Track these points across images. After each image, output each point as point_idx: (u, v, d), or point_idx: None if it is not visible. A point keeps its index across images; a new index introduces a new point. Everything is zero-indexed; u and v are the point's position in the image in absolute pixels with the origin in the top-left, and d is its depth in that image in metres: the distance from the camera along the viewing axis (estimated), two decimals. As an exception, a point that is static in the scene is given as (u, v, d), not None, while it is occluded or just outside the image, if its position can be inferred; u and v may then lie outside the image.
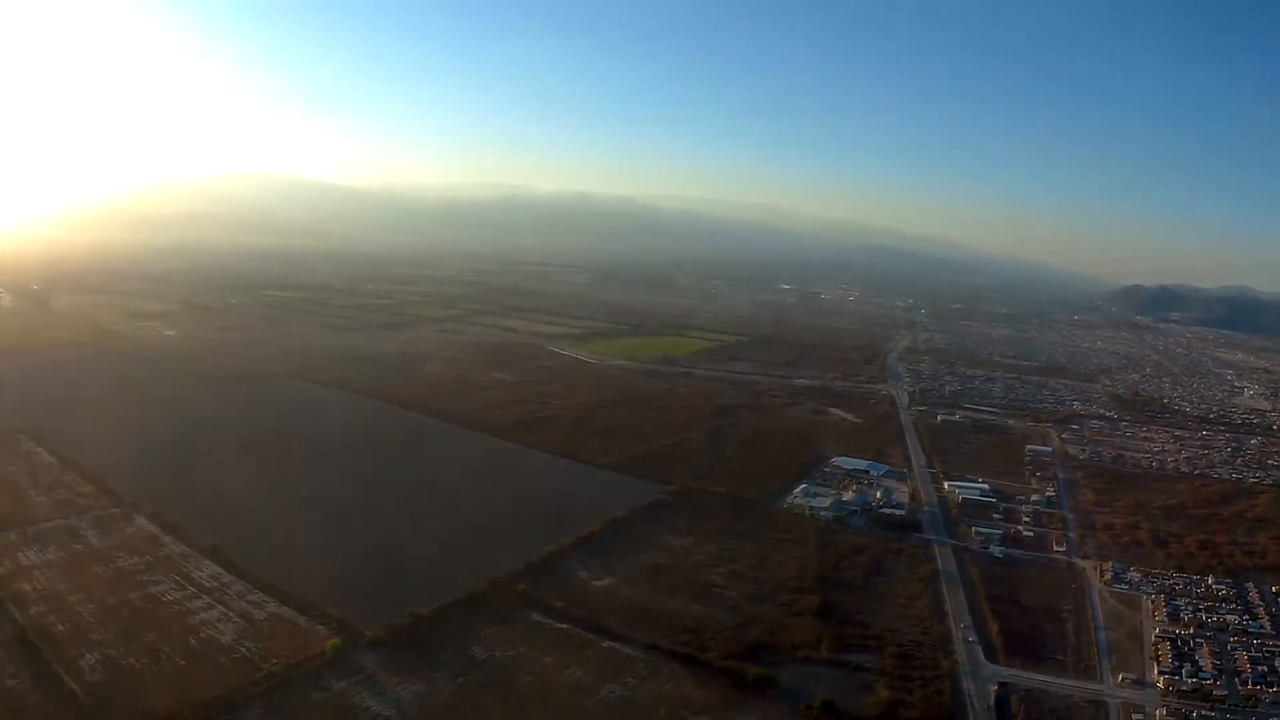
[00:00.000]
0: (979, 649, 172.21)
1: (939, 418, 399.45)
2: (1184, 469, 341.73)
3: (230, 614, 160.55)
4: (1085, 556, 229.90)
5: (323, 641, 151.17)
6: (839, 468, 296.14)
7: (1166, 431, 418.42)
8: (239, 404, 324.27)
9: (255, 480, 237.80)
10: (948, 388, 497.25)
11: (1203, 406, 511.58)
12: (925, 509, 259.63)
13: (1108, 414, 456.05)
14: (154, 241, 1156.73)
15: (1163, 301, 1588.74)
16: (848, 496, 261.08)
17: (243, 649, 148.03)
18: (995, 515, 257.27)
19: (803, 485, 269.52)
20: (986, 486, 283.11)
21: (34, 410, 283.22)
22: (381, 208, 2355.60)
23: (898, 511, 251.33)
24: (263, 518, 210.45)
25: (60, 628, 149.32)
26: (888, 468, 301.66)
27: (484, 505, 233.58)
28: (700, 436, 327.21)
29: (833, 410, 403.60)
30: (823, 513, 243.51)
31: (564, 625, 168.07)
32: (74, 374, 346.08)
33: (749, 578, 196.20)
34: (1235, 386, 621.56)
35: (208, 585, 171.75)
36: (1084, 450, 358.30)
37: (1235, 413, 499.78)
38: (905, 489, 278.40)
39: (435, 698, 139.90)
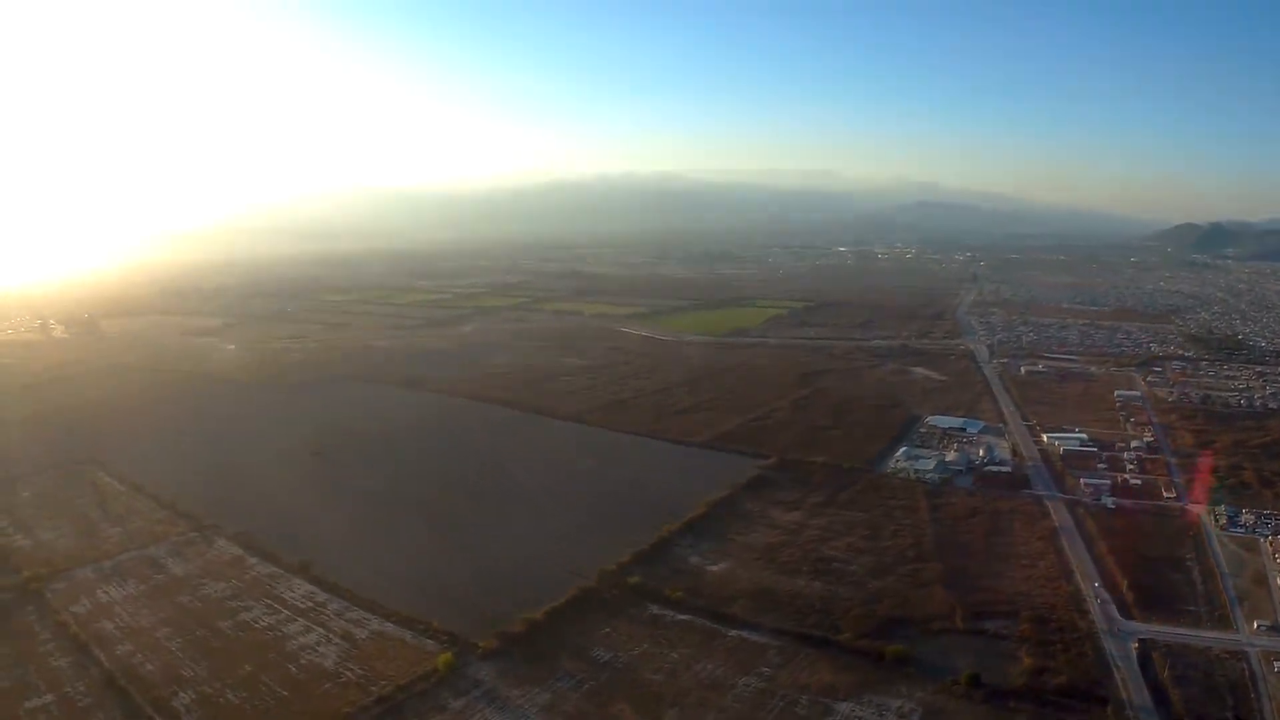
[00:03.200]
0: (1112, 606, 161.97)
1: (1022, 369, 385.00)
2: (1272, 405, 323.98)
3: (330, 635, 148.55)
4: (1196, 501, 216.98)
5: (433, 657, 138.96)
6: (935, 427, 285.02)
7: (1247, 368, 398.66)
8: (307, 412, 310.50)
9: (334, 490, 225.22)
10: (1024, 338, 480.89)
11: (1277, 341, 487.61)
12: (1029, 463, 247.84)
13: (1187, 354, 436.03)
14: (199, 260, 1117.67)
15: (1215, 238, 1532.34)
16: (950, 456, 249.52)
17: (348, 672, 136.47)
18: (1099, 465, 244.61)
19: (903, 448, 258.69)
20: (1085, 436, 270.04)
21: (98, 438, 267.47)
22: (426, 207, 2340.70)
23: (1003, 468, 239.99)
24: (349, 529, 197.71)
25: (149, 667, 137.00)
26: (983, 424, 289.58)
27: (578, 496, 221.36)
28: (787, 406, 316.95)
29: (915, 369, 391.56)
30: (928, 475, 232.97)
31: (685, 616, 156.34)
32: (135, 397, 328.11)
33: (866, 549, 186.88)
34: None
35: (302, 606, 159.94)
36: (1171, 392, 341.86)
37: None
38: (1005, 444, 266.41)
39: (562, 707, 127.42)
